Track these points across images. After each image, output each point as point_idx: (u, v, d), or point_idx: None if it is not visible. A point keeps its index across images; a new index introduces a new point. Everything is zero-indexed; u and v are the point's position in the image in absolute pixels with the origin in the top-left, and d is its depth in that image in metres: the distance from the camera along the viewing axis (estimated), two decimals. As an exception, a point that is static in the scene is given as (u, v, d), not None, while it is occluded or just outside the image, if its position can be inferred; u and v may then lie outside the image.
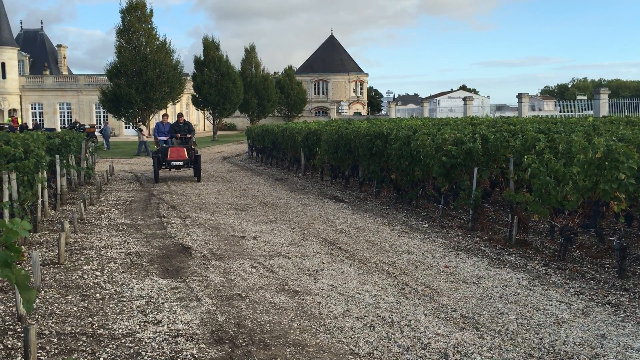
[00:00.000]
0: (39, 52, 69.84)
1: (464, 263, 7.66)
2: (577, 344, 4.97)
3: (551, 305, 5.97)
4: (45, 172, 10.92)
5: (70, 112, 59.99)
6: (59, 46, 73.88)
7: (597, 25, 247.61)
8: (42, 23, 75.49)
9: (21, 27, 72.68)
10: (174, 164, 17.39)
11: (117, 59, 35.31)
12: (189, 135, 18.06)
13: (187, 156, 17.50)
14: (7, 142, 9.90)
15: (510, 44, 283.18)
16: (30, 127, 41.82)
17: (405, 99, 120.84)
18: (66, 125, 51.55)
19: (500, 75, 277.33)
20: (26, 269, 7.05)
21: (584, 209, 7.67)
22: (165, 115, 19.71)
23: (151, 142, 38.79)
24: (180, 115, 18.81)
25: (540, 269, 7.36)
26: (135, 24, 35.05)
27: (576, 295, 6.28)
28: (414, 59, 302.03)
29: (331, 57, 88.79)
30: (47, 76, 62.28)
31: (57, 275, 7.02)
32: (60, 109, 60.95)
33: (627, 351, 4.81)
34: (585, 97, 67.33)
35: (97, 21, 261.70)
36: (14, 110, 58.41)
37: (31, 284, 5.72)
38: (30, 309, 1.84)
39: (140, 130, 33.35)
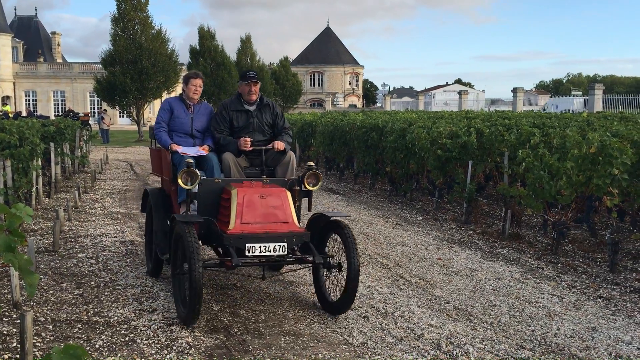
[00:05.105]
0: (33, 39, 69.33)
1: (458, 256, 7.72)
2: (569, 336, 5.03)
3: (543, 298, 6.03)
4: (40, 159, 10.90)
5: (64, 100, 59.72)
6: (54, 33, 73.33)
7: (595, 20, 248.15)
8: (36, 10, 75.06)
9: (15, 13, 72.09)
10: (259, 247, 4.95)
11: (112, 47, 35.11)
12: (281, 146, 5.97)
13: (296, 224, 5.26)
14: (2, 129, 9.87)
15: (508, 38, 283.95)
16: (24, 114, 41.61)
17: (400, 92, 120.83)
18: (60, 113, 51.32)
19: (496, 69, 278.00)
20: (21, 256, 7.06)
21: (577, 204, 7.73)
22: (196, 75, 6.31)
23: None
24: (250, 76, 6.09)
25: (533, 262, 7.42)
26: (130, 12, 34.82)
27: (568, 289, 6.35)
28: (411, 52, 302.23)
29: (327, 49, 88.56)
30: (41, 63, 61.90)
31: (52, 263, 7.03)
32: (54, 96, 60.65)
33: (617, 344, 4.88)
34: (580, 93, 67.47)
35: (91, 8, 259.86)
36: (7, 97, 58.06)
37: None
38: (33, 293, 1.86)
39: (102, 117, 32.99)
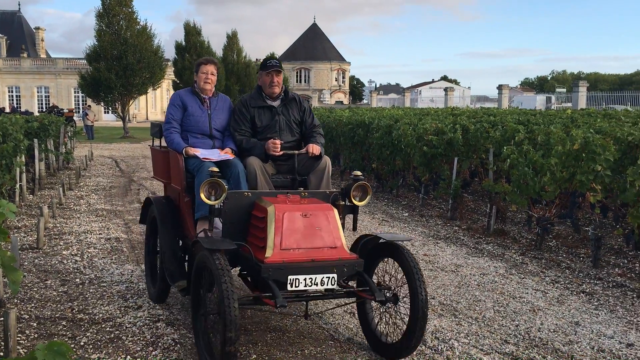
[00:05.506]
0: (17, 34, 68.52)
1: (443, 252, 7.76)
2: (552, 331, 5.09)
3: (527, 293, 6.09)
4: (23, 156, 10.80)
5: (49, 96, 59.08)
6: (37, 28, 72.54)
7: (579, 18, 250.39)
8: (19, 4, 74.11)
9: (-2, 8, 71.23)
10: (304, 279, 3.98)
11: (96, 43, 34.76)
12: (318, 150, 5.04)
13: (346, 249, 4.32)
14: (-15, 125, 9.76)
15: (493, 35, 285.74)
16: (8, 110, 41.14)
17: (387, 89, 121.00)
18: (44, 109, 50.80)
19: (482, 66, 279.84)
20: (4, 253, 6.99)
21: (561, 200, 7.81)
22: (207, 61, 5.39)
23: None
24: (272, 64, 5.16)
25: (517, 258, 7.49)
26: (115, 7, 34.46)
27: (552, 284, 6.42)
28: (398, 49, 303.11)
29: (313, 46, 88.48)
30: (25, 59, 61.18)
31: (36, 260, 6.98)
32: (38, 92, 59.98)
33: (599, 338, 4.94)
34: (564, 90, 68.09)
35: (75, 3, 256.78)
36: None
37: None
38: (17, 291, 1.85)
39: (86, 114, 32.77)
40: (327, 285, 4.01)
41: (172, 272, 4.87)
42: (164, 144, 5.49)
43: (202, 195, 4.20)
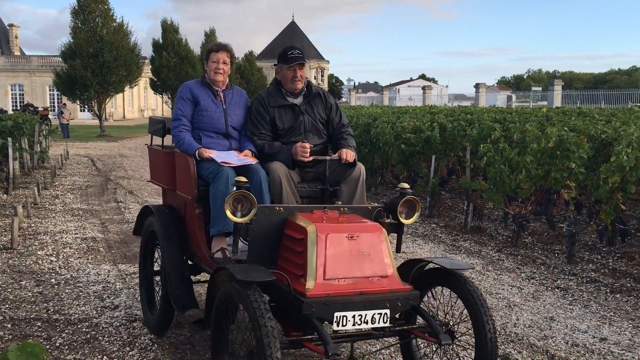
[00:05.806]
0: (-11, 31, 67.32)
1: (421, 249, 7.82)
2: (527, 326, 5.16)
3: (503, 289, 6.17)
4: (-4, 155, 10.62)
5: (23, 94, 58.14)
6: (11, 25, 71.31)
7: (555, 17, 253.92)
8: (-8, 1, 72.75)
9: (-30, 4, 69.88)
10: (353, 317, 3.20)
11: (72, 40, 34.28)
12: (352, 157, 4.29)
13: (398, 278, 3.46)
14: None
15: (470, 34, 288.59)
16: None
17: (365, 87, 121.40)
18: (18, 108, 49.98)
19: (459, 65, 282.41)
20: (-23, 254, 6.87)
21: (536, 197, 7.92)
22: (218, 48, 4.61)
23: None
24: (295, 56, 4.39)
25: (494, 254, 7.57)
26: (91, 4, 34.00)
27: (527, 280, 6.50)
28: (376, 47, 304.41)
29: (292, 43, 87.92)
30: (-2, 56, 60.15)
31: (10, 261, 6.87)
32: (12, 90, 58.99)
33: (574, 333, 5.02)
34: (540, 88, 69.02)
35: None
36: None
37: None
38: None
39: (61, 112, 32.36)
40: (379, 323, 3.27)
41: (179, 298, 4.18)
42: (166, 142, 4.87)
43: (228, 212, 3.43)
